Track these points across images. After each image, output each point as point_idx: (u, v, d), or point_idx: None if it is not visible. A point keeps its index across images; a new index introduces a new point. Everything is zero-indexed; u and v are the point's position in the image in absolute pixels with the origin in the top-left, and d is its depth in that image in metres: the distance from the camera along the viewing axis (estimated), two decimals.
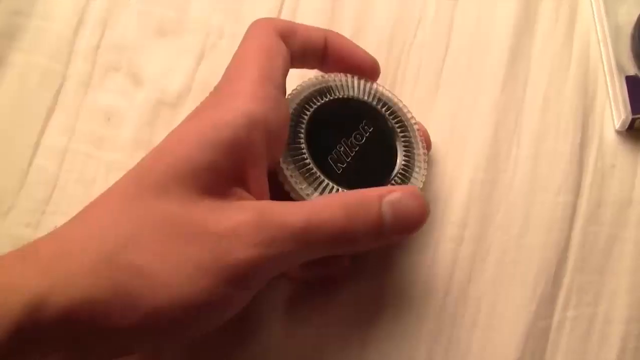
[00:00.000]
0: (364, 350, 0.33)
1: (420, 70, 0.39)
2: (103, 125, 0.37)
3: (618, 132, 0.38)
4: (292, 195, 0.30)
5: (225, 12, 0.39)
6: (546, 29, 0.40)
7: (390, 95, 0.34)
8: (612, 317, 0.35)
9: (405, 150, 0.33)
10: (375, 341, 0.33)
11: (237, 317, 0.27)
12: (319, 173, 0.30)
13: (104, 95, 0.37)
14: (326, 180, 0.30)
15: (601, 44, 0.39)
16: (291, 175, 0.30)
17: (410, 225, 0.29)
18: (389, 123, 0.33)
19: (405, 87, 0.38)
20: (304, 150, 0.31)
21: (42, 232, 0.34)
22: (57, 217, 0.35)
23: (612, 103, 0.38)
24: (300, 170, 0.30)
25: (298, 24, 0.32)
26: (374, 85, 0.34)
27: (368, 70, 0.34)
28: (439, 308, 0.34)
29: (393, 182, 0.32)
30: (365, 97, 0.33)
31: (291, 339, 0.33)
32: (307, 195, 0.30)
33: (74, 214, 0.34)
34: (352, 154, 0.32)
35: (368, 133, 0.32)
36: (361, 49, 0.34)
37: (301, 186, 0.30)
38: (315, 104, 0.32)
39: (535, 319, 0.34)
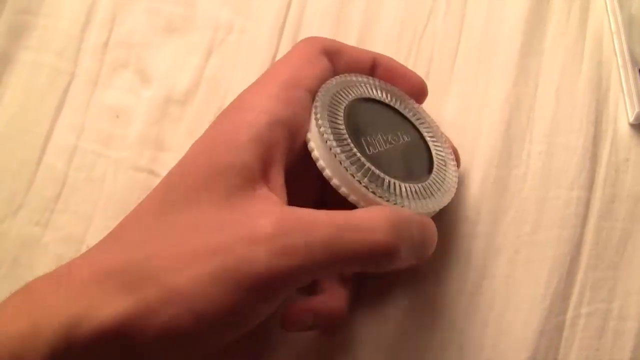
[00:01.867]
0: (374, 346, 0.33)
1: (432, 65, 0.38)
2: (111, 123, 0.36)
3: (632, 126, 0.37)
4: (315, 152, 0.29)
5: (234, 8, 0.39)
6: (558, 21, 0.39)
7: (429, 117, 0.34)
8: (626, 313, 0.34)
9: (438, 164, 0.32)
10: (387, 337, 0.33)
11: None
12: (352, 145, 0.28)
13: (112, 93, 0.37)
14: (358, 153, 0.28)
15: (614, 37, 0.39)
16: (324, 133, 0.28)
17: (428, 250, 0.28)
18: (425, 139, 0.33)
19: None
20: (341, 121, 0.29)
21: (51, 231, 0.34)
22: (66, 216, 0.35)
23: (626, 96, 0.38)
24: (335, 134, 0.28)
25: (346, 44, 0.32)
26: (416, 105, 0.34)
27: (416, 92, 0.34)
28: (452, 304, 0.34)
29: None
30: (407, 112, 0.33)
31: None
32: (335, 155, 0.28)
33: (83, 213, 0.35)
34: (386, 147, 0.30)
35: (403, 139, 0.32)
36: (411, 70, 0.34)
37: (332, 143, 0.28)
38: (360, 93, 0.31)
39: (548, 316, 0.34)
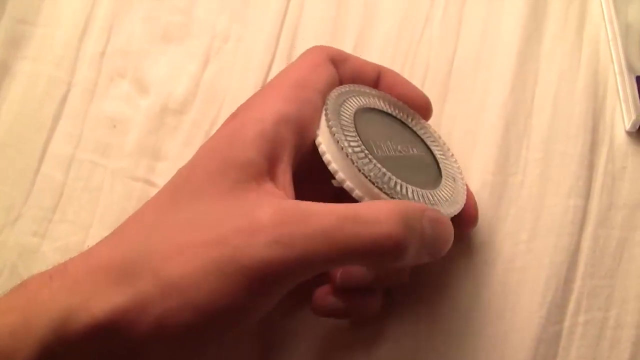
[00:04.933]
0: (373, 347, 0.33)
1: (428, 72, 0.38)
2: (109, 132, 0.37)
3: (629, 133, 0.37)
4: (320, 140, 0.28)
5: (231, 17, 0.39)
6: (555, 29, 0.39)
7: (437, 134, 0.34)
8: (623, 321, 0.34)
9: (446, 178, 0.32)
10: (383, 342, 0.33)
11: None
12: (360, 141, 0.28)
13: (109, 102, 0.37)
14: (365, 149, 0.28)
15: (611, 44, 0.39)
16: (332, 126, 0.28)
17: (442, 246, 0.27)
18: (433, 155, 0.32)
19: None
20: (350, 122, 0.29)
21: (49, 241, 0.34)
22: (64, 226, 0.35)
23: (623, 104, 0.38)
24: (343, 130, 0.28)
25: (352, 55, 0.32)
26: (423, 121, 0.34)
27: (421, 108, 0.34)
28: (450, 312, 0.34)
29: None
30: (416, 128, 0.33)
31: None
32: (342, 147, 0.27)
33: (80, 222, 0.35)
34: (394, 154, 0.30)
35: (412, 151, 0.31)
36: (416, 87, 0.34)
37: (340, 136, 0.27)
38: (370, 103, 0.31)
39: (545, 324, 0.34)
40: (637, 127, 0.37)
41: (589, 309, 0.34)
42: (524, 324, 0.34)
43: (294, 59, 0.38)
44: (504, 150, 0.37)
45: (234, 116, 0.29)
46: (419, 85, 0.37)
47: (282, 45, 0.38)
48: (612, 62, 0.38)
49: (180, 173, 0.27)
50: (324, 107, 0.29)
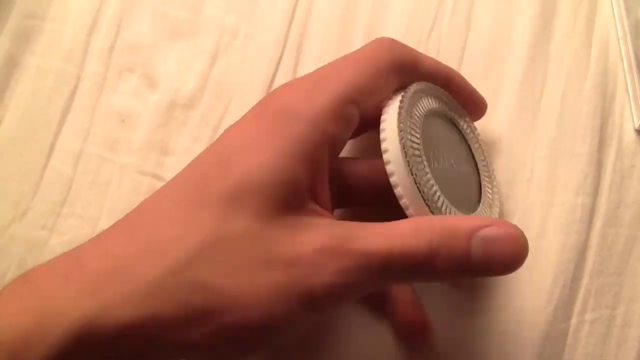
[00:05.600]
0: (377, 345, 0.33)
1: None
2: (117, 127, 0.37)
3: (638, 132, 0.37)
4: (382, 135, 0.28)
5: (239, 12, 0.39)
6: (565, 27, 0.39)
7: (486, 155, 0.34)
8: (630, 320, 0.34)
9: (483, 204, 0.32)
10: (391, 344, 0.33)
11: None
12: (423, 157, 0.28)
13: (118, 97, 0.37)
14: (427, 167, 0.28)
15: (620, 42, 0.39)
16: (401, 128, 0.27)
17: (502, 267, 0.25)
18: (480, 176, 0.33)
19: None
20: (420, 121, 0.29)
21: (57, 235, 0.34)
22: (72, 220, 0.35)
23: (632, 102, 0.38)
24: (411, 127, 0.28)
25: (420, 54, 0.31)
26: (480, 137, 0.34)
27: (476, 113, 0.34)
28: (456, 309, 0.34)
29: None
30: (473, 144, 0.33)
31: None
32: (406, 152, 0.27)
33: (88, 217, 0.35)
34: (447, 167, 0.30)
35: (463, 167, 0.32)
36: (478, 93, 0.34)
37: (406, 139, 0.27)
38: (442, 109, 0.31)
39: (553, 322, 0.34)
40: None
41: (597, 307, 0.34)
42: (531, 322, 0.34)
43: (302, 55, 0.38)
44: (512, 148, 0.37)
45: (274, 117, 0.26)
46: None
47: (290, 42, 0.38)
48: (622, 60, 0.38)
49: (210, 163, 0.26)
50: (400, 102, 0.28)
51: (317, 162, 0.26)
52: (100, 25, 0.38)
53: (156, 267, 0.23)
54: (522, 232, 0.25)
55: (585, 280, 0.35)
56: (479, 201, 0.32)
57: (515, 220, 0.35)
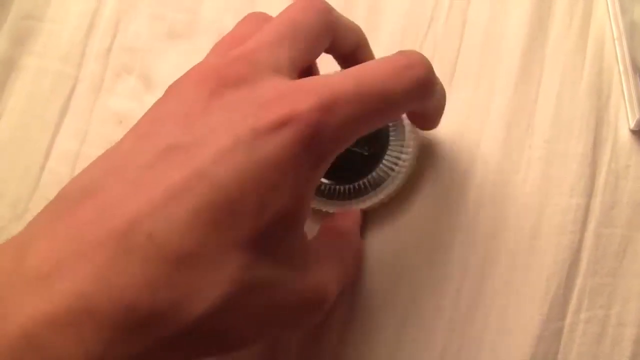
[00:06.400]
0: (373, 346, 0.33)
1: None
2: (115, 128, 0.37)
3: (633, 132, 0.37)
4: None
5: (237, 14, 0.39)
6: (560, 28, 0.39)
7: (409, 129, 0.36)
8: (625, 320, 0.34)
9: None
10: (386, 345, 0.34)
11: None
12: None
13: (115, 99, 0.37)
14: None
15: (616, 43, 0.39)
16: None
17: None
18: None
19: None
20: None
21: None
22: None
23: (627, 102, 0.38)
24: None
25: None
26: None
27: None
28: (451, 308, 0.34)
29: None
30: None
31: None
32: None
33: None
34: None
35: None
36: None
37: None
38: None
39: (547, 322, 0.34)
40: None
41: (591, 307, 0.35)
42: (525, 322, 0.34)
43: None
44: (507, 149, 0.37)
45: None
46: None
47: None
48: (617, 60, 0.38)
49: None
50: None
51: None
52: (98, 27, 0.38)
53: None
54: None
55: (579, 280, 0.35)
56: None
57: (509, 220, 0.36)
